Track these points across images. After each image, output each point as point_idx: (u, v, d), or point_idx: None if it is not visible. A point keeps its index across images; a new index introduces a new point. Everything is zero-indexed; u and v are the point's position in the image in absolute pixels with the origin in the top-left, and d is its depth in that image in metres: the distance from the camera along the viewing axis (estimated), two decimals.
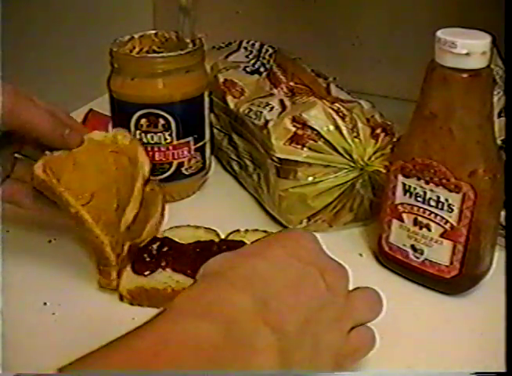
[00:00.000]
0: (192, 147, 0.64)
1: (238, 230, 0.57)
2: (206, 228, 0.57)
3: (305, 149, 0.57)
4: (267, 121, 0.60)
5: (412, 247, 0.53)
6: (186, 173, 0.65)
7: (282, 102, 0.63)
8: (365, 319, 0.42)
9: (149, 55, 0.64)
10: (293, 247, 0.40)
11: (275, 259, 0.39)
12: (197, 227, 0.57)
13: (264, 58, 0.74)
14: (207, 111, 0.64)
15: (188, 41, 0.63)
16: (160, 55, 0.62)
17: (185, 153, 0.63)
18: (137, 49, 0.65)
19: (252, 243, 0.44)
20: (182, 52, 0.61)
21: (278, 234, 0.45)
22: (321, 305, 0.38)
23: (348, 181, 0.58)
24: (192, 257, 0.53)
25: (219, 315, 0.34)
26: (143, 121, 0.61)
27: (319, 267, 0.40)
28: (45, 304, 0.51)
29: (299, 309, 0.37)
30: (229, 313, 0.34)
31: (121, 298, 0.52)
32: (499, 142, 0.52)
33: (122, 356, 0.31)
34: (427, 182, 0.50)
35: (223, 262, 0.39)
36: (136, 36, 0.65)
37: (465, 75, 0.47)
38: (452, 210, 0.50)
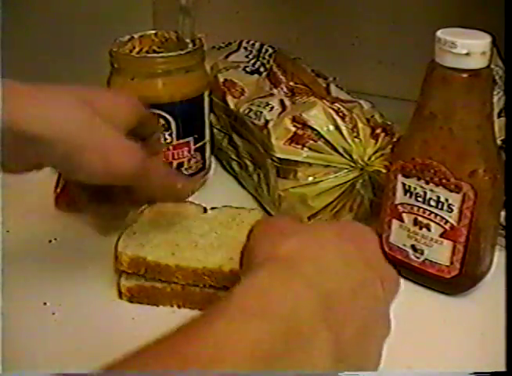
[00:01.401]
0: (192, 147, 0.64)
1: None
2: None
3: (305, 149, 0.57)
4: (267, 121, 0.61)
5: (413, 247, 0.53)
6: (186, 173, 0.65)
7: (282, 102, 0.63)
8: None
9: (149, 55, 0.64)
10: (362, 246, 0.40)
11: (347, 256, 0.38)
12: None
13: (264, 58, 0.74)
14: (207, 111, 0.64)
15: (188, 41, 0.63)
16: (160, 55, 0.62)
17: (185, 153, 0.63)
18: (137, 49, 0.65)
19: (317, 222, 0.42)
20: (182, 52, 0.61)
21: (345, 225, 0.44)
22: (375, 316, 0.38)
23: (348, 181, 0.58)
24: None
25: (281, 313, 0.32)
26: None
27: (381, 275, 0.39)
28: (44, 304, 0.51)
29: (356, 318, 0.36)
30: (292, 311, 0.33)
31: (120, 295, 0.52)
32: (499, 142, 0.52)
33: (174, 361, 0.29)
34: (427, 182, 0.50)
35: (296, 245, 0.37)
36: (136, 36, 0.65)
37: (465, 75, 0.47)
38: (452, 210, 0.50)
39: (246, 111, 0.64)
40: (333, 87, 0.67)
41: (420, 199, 0.51)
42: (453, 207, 0.50)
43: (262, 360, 0.30)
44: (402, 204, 0.53)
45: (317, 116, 0.58)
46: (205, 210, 0.56)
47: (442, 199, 0.50)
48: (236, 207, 0.57)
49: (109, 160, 0.42)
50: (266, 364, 0.30)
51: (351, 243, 0.39)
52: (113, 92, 0.46)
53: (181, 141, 0.63)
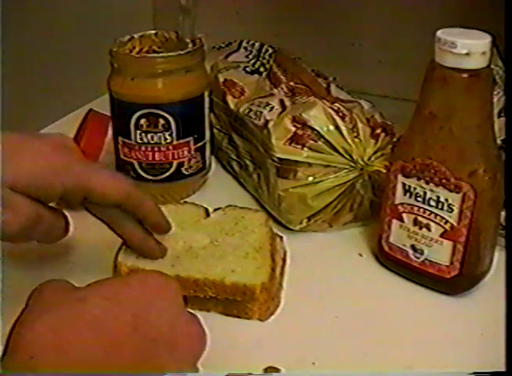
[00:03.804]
0: (192, 147, 0.64)
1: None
2: None
3: (305, 149, 0.57)
4: (267, 121, 0.60)
5: (412, 247, 0.53)
6: (186, 173, 0.65)
7: (282, 102, 0.63)
8: None
9: (149, 55, 0.64)
10: (143, 311, 0.36)
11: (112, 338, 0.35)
12: None
13: (264, 58, 0.74)
14: (207, 111, 0.64)
15: (188, 41, 0.63)
16: (160, 55, 0.62)
17: (185, 153, 0.63)
18: (137, 49, 0.65)
19: None
20: (182, 52, 0.61)
21: (127, 284, 0.39)
22: None
23: (348, 181, 0.58)
24: None
25: None
26: (143, 121, 0.61)
27: (172, 341, 0.36)
28: None
29: None
30: None
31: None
32: (499, 142, 0.52)
33: None
34: (427, 182, 0.50)
35: (44, 328, 0.36)
36: (136, 36, 0.65)
37: (465, 75, 0.47)
38: (452, 210, 0.50)
39: (247, 111, 0.64)
40: (333, 87, 0.67)
41: (419, 199, 0.51)
42: (453, 207, 0.50)
43: None
44: (402, 204, 0.53)
45: (317, 116, 0.58)
46: (207, 212, 0.56)
47: (442, 199, 0.50)
48: (240, 208, 0.57)
49: None
50: None
51: (126, 314, 0.35)
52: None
53: (181, 141, 0.63)
